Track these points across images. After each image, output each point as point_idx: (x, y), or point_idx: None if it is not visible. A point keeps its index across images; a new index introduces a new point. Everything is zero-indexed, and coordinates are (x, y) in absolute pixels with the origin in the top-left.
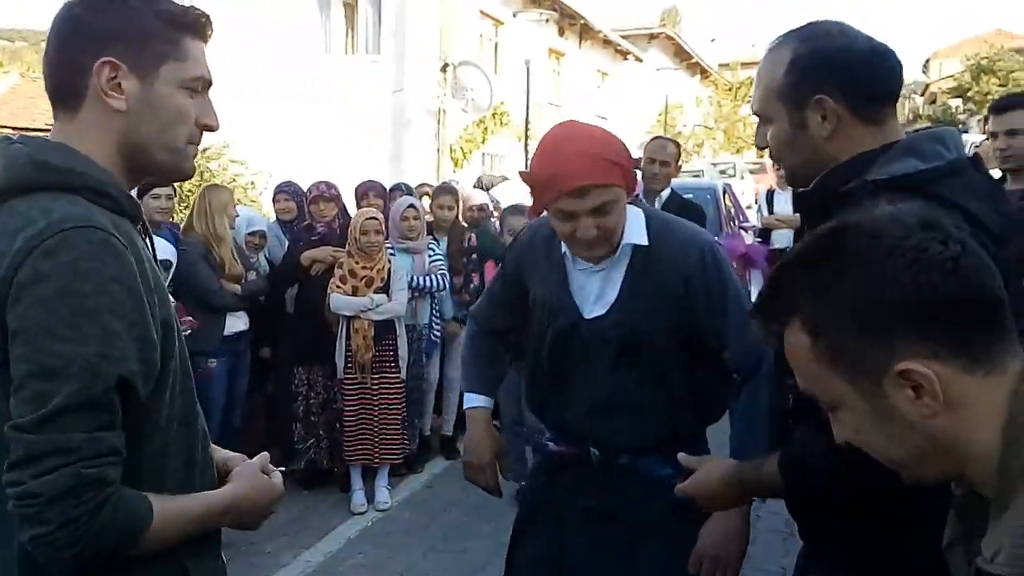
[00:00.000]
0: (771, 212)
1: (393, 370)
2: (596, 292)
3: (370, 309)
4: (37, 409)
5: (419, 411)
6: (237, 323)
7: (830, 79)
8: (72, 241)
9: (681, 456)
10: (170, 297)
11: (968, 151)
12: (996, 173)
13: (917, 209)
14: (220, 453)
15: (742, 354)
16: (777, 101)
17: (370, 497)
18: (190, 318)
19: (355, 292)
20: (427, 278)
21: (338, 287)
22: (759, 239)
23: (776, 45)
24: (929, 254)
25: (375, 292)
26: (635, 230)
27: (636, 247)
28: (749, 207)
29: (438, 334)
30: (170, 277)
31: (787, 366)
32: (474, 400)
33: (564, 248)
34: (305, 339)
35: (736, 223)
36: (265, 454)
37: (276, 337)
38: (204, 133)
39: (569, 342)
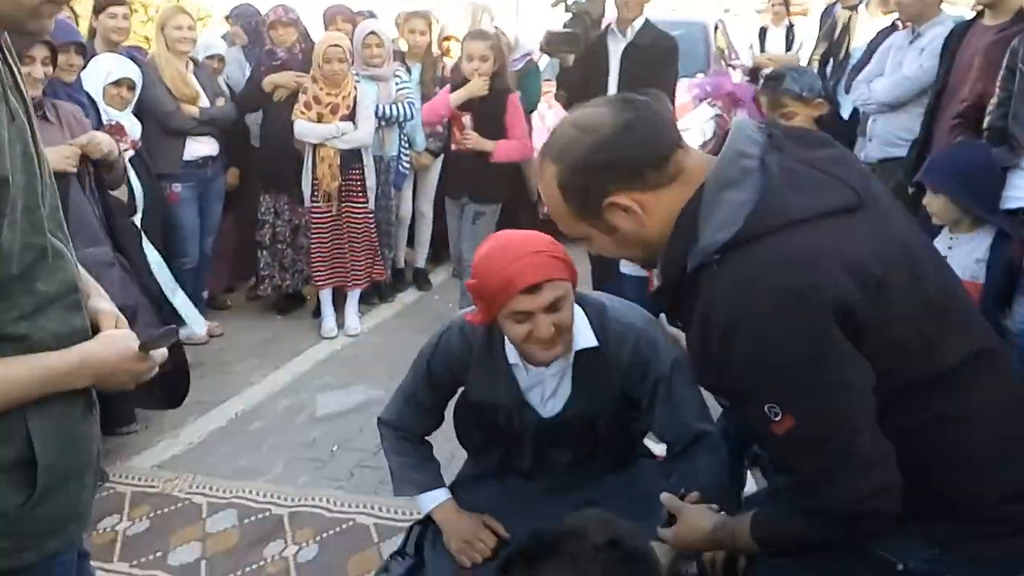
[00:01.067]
0: (763, 50)
1: (360, 200)
2: (550, 390)
3: (336, 137)
4: None
5: (388, 243)
6: (200, 148)
7: (606, 181)
8: None
9: (664, 497)
10: (86, 119)
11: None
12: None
13: None
14: (94, 304)
15: (672, 432)
16: (576, 221)
17: (341, 324)
18: (132, 137)
19: (320, 119)
20: (393, 106)
21: (302, 113)
22: (748, 78)
23: (539, 171)
24: None
25: (341, 120)
26: (583, 333)
27: (579, 351)
28: (751, 46)
29: (407, 165)
30: (135, 98)
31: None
32: (433, 497)
33: (512, 358)
34: (271, 166)
35: (726, 61)
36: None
37: (242, 165)
38: None
39: (524, 439)
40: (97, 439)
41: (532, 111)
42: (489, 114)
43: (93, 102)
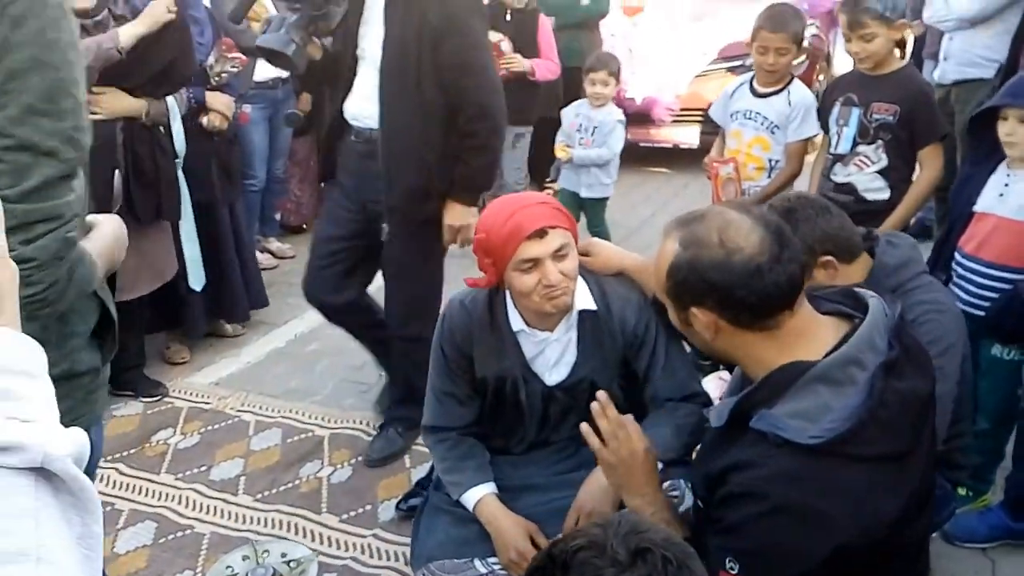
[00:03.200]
0: None
1: None
2: (554, 358)
3: None
4: (19, 181)
5: None
6: (270, 68)
7: (704, 295)
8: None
9: (583, 428)
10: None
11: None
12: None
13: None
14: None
15: (667, 394)
16: (665, 296)
17: None
18: (240, 55)
19: None
20: None
21: None
22: None
23: (667, 234)
24: None
25: None
26: (583, 297)
27: (582, 313)
28: None
29: None
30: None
31: None
32: (476, 491)
33: (516, 324)
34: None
35: None
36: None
37: (317, 87)
38: None
39: (531, 409)
40: None
41: (602, 17)
42: (523, 36)
43: (211, 16)
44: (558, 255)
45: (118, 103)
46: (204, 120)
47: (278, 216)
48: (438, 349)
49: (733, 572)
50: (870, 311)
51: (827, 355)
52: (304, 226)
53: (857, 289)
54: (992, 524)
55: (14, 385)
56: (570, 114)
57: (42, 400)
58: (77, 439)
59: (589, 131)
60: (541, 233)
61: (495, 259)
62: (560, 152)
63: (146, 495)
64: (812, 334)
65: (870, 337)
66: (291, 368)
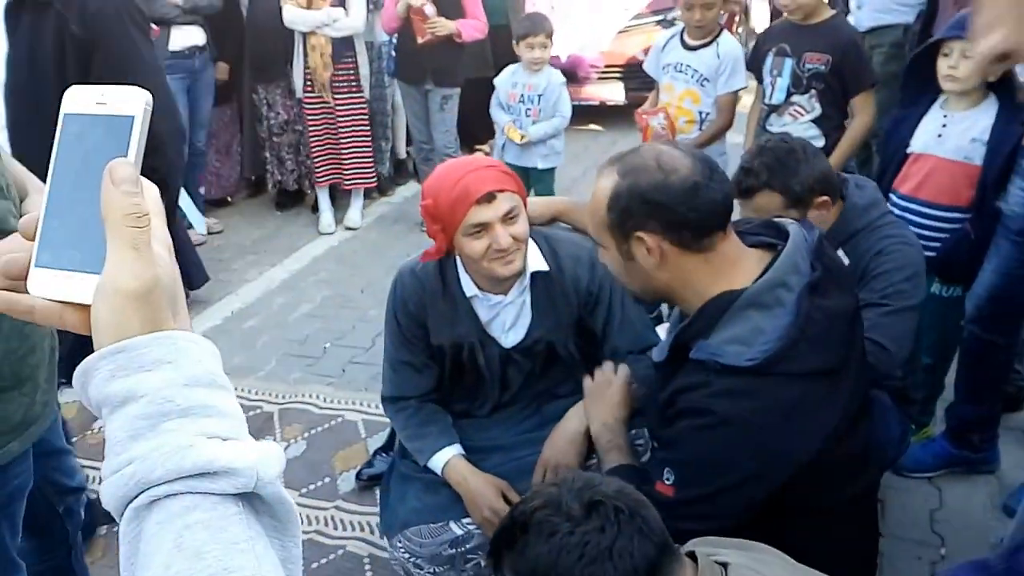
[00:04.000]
0: None
1: (356, 90)
2: (510, 321)
3: (327, 24)
4: None
5: (384, 134)
6: (186, 37)
7: (648, 218)
8: None
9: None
10: None
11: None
12: None
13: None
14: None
15: (627, 348)
16: (605, 232)
17: (340, 220)
18: (152, 25)
19: (310, 6)
20: None
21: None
22: None
23: (601, 173)
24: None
25: (331, 6)
26: (534, 258)
27: (535, 275)
28: None
29: None
30: None
31: None
32: (442, 455)
33: (469, 291)
34: (261, 57)
35: None
36: None
37: (234, 55)
38: None
39: (490, 373)
40: (48, 346)
41: None
42: None
43: None
44: (508, 218)
45: None
46: None
47: (201, 190)
48: (392, 319)
49: (669, 482)
50: (791, 237)
51: (755, 282)
52: (229, 199)
53: (775, 219)
54: (936, 453)
55: (212, 399)
56: (506, 83)
57: (239, 414)
58: (280, 456)
59: (534, 100)
60: (490, 197)
61: (444, 225)
62: (513, 135)
63: (92, 483)
64: (741, 263)
65: (793, 261)
66: (231, 345)
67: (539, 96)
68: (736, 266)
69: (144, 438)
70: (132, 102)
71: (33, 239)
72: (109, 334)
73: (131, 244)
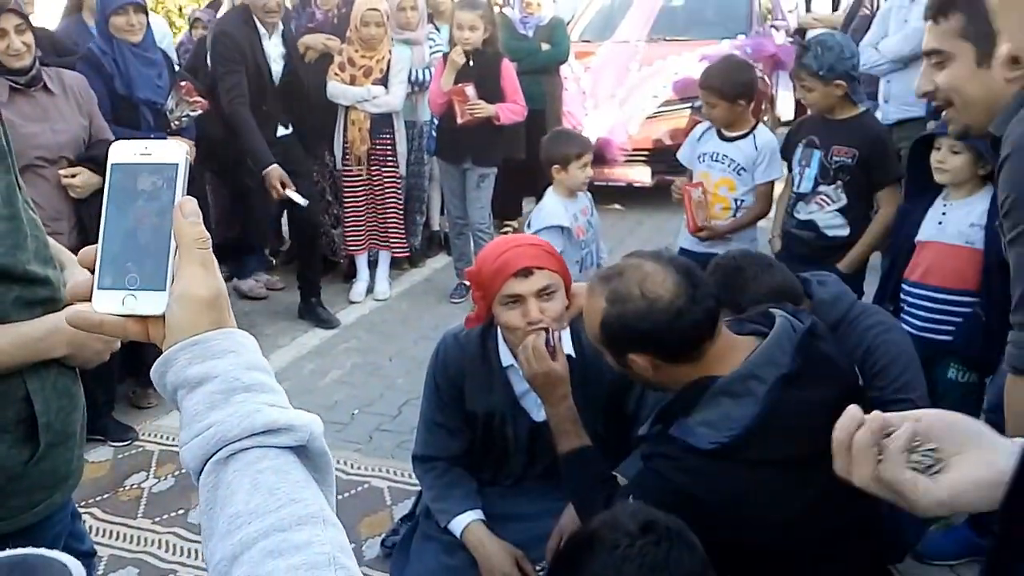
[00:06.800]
0: (808, 10)
1: (391, 165)
2: None
3: (366, 100)
4: None
5: (420, 208)
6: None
7: (636, 343)
8: None
9: None
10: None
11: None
12: None
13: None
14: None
15: None
16: (601, 347)
17: (370, 289)
18: (200, 98)
19: (353, 81)
20: (427, 71)
21: (336, 75)
22: (791, 40)
23: (592, 290)
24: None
25: (373, 83)
26: (565, 343)
27: (568, 358)
28: (796, 6)
29: None
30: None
31: None
32: (463, 519)
33: (506, 360)
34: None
35: (768, 23)
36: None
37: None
38: None
39: (518, 444)
40: (83, 404)
41: (562, 62)
42: (488, 81)
43: (168, 59)
44: (542, 295)
45: (92, 179)
46: None
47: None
48: (431, 380)
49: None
50: (773, 329)
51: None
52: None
53: (772, 309)
54: (959, 541)
55: (267, 380)
56: (566, 218)
57: (283, 391)
58: (319, 420)
59: (592, 225)
60: (527, 272)
61: (484, 292)
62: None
63: (125, 540)
64: (729, 355)
65: (770, 353)
66: None
67: (588, 220)
68: (724, 358)
69: (220, 408)
70: (175, 152)
71: (92, 269)
72: (185, 331)
73: (200, 262)
